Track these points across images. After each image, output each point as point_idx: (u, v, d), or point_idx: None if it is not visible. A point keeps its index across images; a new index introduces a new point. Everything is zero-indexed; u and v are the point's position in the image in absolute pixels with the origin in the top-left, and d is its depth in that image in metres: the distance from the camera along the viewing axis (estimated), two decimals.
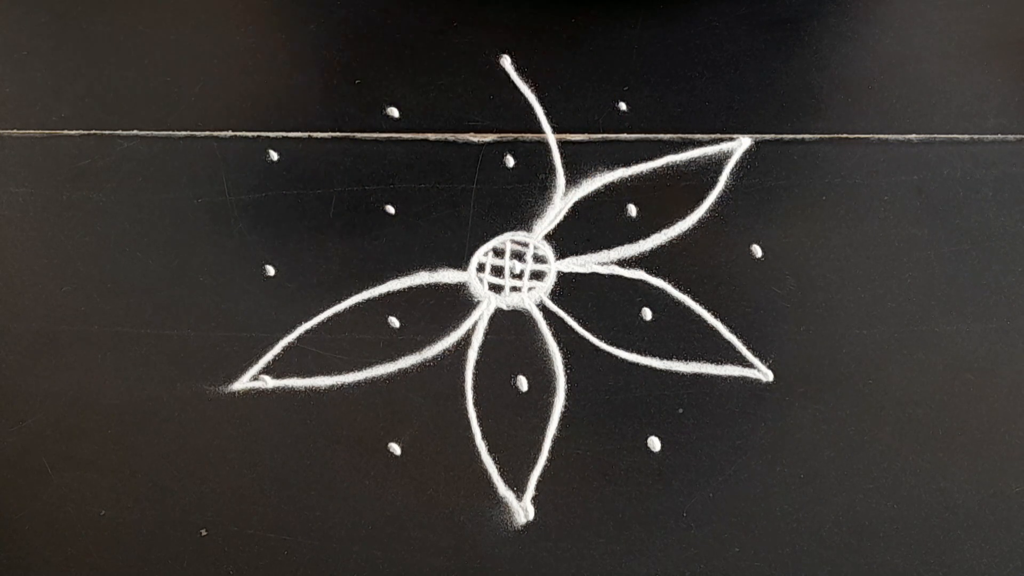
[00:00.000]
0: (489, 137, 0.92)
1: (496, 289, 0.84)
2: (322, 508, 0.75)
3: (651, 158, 0.90)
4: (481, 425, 0.78)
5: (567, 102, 0.94)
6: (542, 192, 0.89)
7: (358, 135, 0.91)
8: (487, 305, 0.84)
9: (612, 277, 0.85)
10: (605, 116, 0.93)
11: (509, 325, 0.83)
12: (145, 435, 0.78)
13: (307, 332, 0.83)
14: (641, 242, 0.86)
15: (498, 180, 0.89)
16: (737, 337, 0.81)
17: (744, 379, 0.80)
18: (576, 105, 0.93)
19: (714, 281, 0.84)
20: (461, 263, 0.86)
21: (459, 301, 0.84)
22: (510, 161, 0.90)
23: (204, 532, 0.75)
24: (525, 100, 0.94)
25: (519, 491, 0.76)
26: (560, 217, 0.88)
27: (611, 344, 0.81)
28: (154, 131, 0.92)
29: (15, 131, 0.94)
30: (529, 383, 0.80)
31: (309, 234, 0.87)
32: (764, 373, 0.80)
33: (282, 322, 0.83)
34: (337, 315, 0.83)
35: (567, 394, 0.79)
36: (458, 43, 0.96)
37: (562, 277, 0.85)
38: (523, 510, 0.75)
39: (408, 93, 0.94)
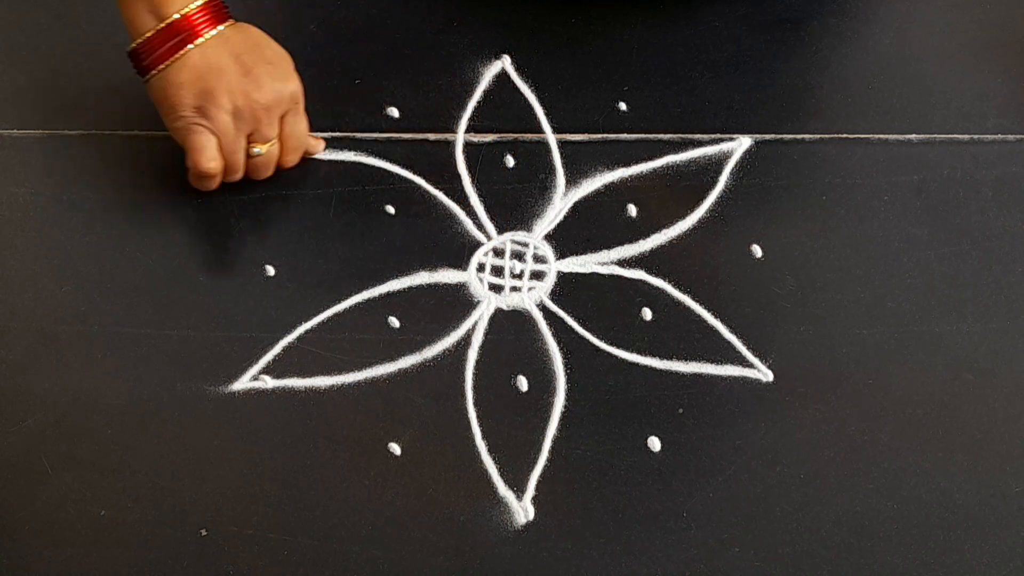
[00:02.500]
0: (489, 137, 0.92)
1: (496, 289, 0.84)
2: (322, 508, 0.75)
3: (651, 158, 0.90)
4: (481, 425, 0.78)
5: (567, 102, 0.94)
6: (542, 192, 0.89)
7: (358, 135, 0.91)
8: (487, 305, 0.84)
9: (612, 277, 0.85)
10: (605, 116, 0.93)
11: (509, 325, 0.83)
12: (145, 435, 0.78)
13: (307, 332, 0.83)
14: (641, 242, 0.86)
15: (498, 180, 0.89)
16: (737, 337, 0.81)
17: (744, 379, 0.80)
18: (576, 105, 0.93)
19: (714, 281, 0.84)
20: (461, 263, 0.86)
21: (459, 301, 0.84)
22: (510, 161, 0.90)
23: (204, 532, 0.75)
24: (525, 100, 0.94)
25: (519, 491, 0.76)
26: (560, 217, 0.88)
27: (611, 344, 0.81)
28: (154, 131, 0.92)
29: (15, 131, 0.93)
30: (529, 383, 0.80)
31: (309, 234, 0.87)
32: (764, 373, 0.80)
33: (282, 322, 0.83)
34: (337, 315, 0.83)
35: (567, 394, 0.79)
36: (458, 43, 0.97)
37: (562, 277, 0.85)
38: (523, 510, 0.75)
39: (408, 93, 0.94)
